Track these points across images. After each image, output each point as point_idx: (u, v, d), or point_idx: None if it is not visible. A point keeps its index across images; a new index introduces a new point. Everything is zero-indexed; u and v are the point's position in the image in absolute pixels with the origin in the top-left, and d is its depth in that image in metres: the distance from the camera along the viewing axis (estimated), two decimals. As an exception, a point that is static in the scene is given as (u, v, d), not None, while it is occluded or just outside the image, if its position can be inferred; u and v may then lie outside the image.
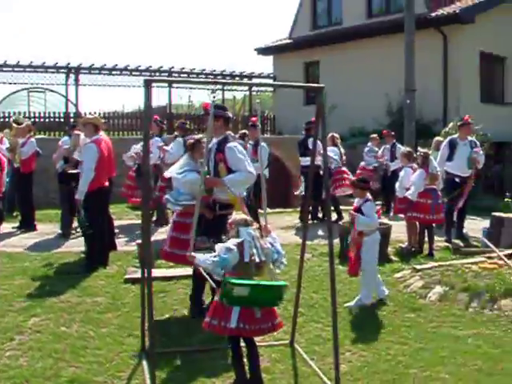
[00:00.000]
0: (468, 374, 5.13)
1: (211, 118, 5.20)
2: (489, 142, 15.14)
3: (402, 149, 13.60)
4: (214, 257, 4.49)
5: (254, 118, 12.02)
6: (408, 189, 9.32)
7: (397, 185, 9.73)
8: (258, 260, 4.56)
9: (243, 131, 13.27)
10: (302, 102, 23.03)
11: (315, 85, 5.27)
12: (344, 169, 12.34)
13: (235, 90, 25.10)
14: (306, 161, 12.08)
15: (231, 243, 4.54)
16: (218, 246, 4.57)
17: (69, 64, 20.40)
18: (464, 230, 10.59)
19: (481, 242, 9.62)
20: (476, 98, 19.24)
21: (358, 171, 14.02)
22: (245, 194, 6.66)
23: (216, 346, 5.53)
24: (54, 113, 20.07)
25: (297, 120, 19.67)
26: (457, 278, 7.35)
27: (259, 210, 9.32)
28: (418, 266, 8.00)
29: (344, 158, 12.57)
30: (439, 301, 7.02)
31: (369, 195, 7.12)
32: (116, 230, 9.74)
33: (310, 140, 12.03)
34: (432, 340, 5.93)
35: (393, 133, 14.58)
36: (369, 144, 14.91)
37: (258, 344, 5.43)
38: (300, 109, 22.04)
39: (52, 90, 20.95)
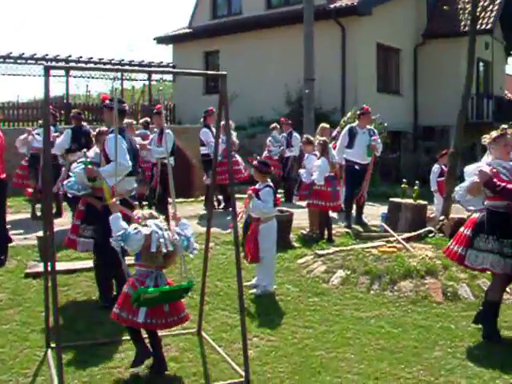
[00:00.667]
0: (372, 353, 5.25)
1: (116, 109, 5.25)
2: (385, 131, 15.64)
3: (298, 137, 13.93)
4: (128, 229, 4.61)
5: (158, 106, 11.81)
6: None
7: (302, 171, 9.81)
8: (165, 250, 4.61)
9: (145, 119, 13.04)
10: (202, 91, 22.91)
11: (218, 72, 5.20)
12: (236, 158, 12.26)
13: (134, 79, 24.68)
14: (204, 149, 12.11)
15: (144, 230, 4.60)
16: (132, 225, 4.65)
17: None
18: (363, 216, 10.88)
19: (379, 227, 9.91)
20: (373, 88, 19.88)
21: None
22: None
23: (122, 338, 5.41)
24: None
25: (196, 109, 19.50)
26: (358, 261, 7.53)
27: (169, 200, 9.16)
28: (320, 252, 8.12)
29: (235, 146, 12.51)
30: (342, 284, 7.16)
31: (269, 181, 7.09)
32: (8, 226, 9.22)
33: (203, 130, 12.05)
34: (336, 322, 6.03)
35: (290, 121, 14.72)
36: (273, 133, 14.96)
37: (165, 334, 5.38)
38: (200, 98, 21.94)
39: None
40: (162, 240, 4.60)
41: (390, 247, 8.15)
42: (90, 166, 6.19)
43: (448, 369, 4.95)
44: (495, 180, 5.30)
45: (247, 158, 7.46)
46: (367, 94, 18.79)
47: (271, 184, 7.09)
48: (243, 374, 4.73)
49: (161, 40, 24.17)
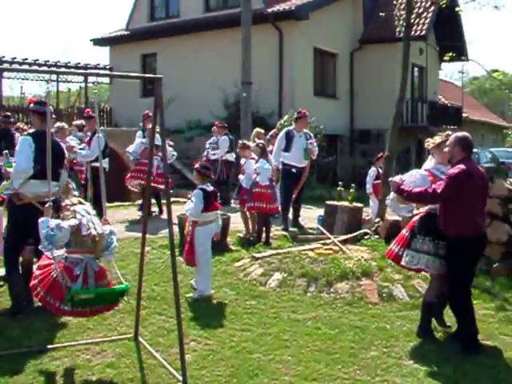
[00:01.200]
0: (309, 355, 5.28)
1: (48, 112, 5.14)
2: (321, 134, 15.85)
3: (226, 140, 13.89)
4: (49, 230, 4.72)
5: (87, 110, 11.78)
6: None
7: (242, 176, 9.84)
8: (94, 233, 4.84)
9: (81, 122, 12.78)
10: (139, 94, 22.66)
11: (153, 75, 5.17)
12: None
13: (70, 81, 24.19)
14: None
15: (66, 223, 4.78)
16: (53, 223, 4.76)
17: None
18: (300, 219, 10.97)
19: (316, 229, 10.01)
20: (310, 91, 20.11)
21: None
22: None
23: (57, 345, 5.31)
24: None
25: (133, 112, 19.34)
26: (294, 264, 7.57)
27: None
28: (257, 255, 8.13)
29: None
30: (279, 287, 7.18)
31: (207, 185, 7.03)
32: None
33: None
34: (274, 325, 6.04)
35: (225, 124, 14.68)
36: (213, 138, 14.88)
37: (101, 340, 5.29)
38: (137, 101, 21.69)
39: None
40: (91, 224, 4.85)
41: (326, 249, 8.24)
42: (8, 168, 6.24)
43: (384, 368, 5.04)
44: (402, 187, 5.56)
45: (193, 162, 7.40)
46: (304, 97, 19.00)
47: (205, 187, 7.02)
48: (181, 378, 4.68)
49: (97, 42, 23.77)
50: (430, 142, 5.86)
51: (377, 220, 9.54)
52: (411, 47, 10.99)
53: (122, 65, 22.48)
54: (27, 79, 22.32)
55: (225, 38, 19.63)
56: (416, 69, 23.88)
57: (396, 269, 7.39)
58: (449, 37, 23.52)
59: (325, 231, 9.26)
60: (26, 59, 21.21)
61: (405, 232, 5.80)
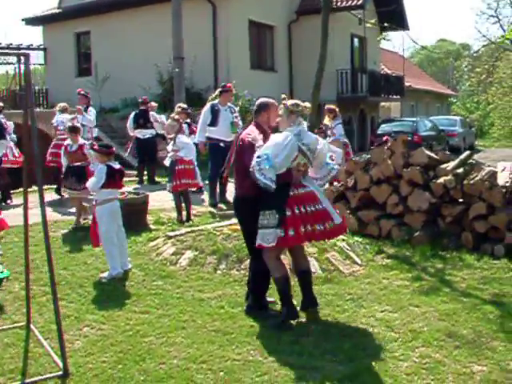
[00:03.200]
0: (204, 336, 5.10)
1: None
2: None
3: (155, 115, 13.63)
4: None
5: None
6: None
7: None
8: None
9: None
10: (74, 73, 22.05)
11: (19, 52, 4.88)
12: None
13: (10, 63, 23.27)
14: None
15: None
16: None
17: None
18: (227, 194, 10.77)
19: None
20: (246, 65, 19.82)
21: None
22: None
23: None
24: None
25: (69, 92, 18.78)
26: (207, 241, 7.36)
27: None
28: (171, 233, 7.91)
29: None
30: (189, 266, 6.97)
31: (110, 163, 6.87)
32: None
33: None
34: (175, 306, 5.84)
35: (154, 103, 14.37)
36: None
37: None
38: (72, 81, 21.07)
39: None
40: None
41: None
42: None
43: (277, 349, 4.85)
44: None
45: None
46: (240, 71, 18.72)
47: (111, 164, 6.84)
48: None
49: (30, 21, 22.98)
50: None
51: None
52: (350, 17, 10.83)
53: (57, 44, 21.92)
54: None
55: (157, 14, 19.17)
56: (356, 39, 23.79)
57: (312, 243, 7.28)
58: (388, 5, 23.45)
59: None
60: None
61: None
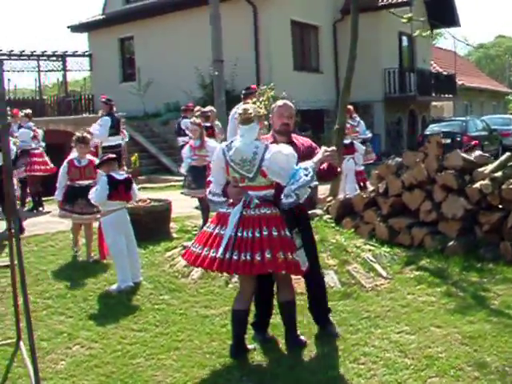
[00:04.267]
0: (197, 358, 4.68)
1: None
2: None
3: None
4: None
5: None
6: None
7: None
8: None
9: (28, 111, 12.25)
10: (119, 79, 22.08)
11: None
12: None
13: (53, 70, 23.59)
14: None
15: None
16: None
17: None
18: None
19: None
20: (289, 66, 19.33)
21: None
22: None
23: None
24: None
25: (114, 98, 18.73)
26: (222, 251, 6.92)
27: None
28: (187, 243, 7.44)
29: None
30: (200, 279, 6.54)
31: (115, 172, 6.55)
32: None
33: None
34: (175, 323, 5.44)
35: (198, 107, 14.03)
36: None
37: None
38: (117, 86, 21.11)
39: None
40: None
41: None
42: None
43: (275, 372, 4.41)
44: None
45: None
46: (283, 72, 18.25)
47: (113, 174, 6.53)
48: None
49: (75, 28, 23.16)
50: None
51: (329, 199, 8.89)
52: (398, 15, 10.30)
53: (101, 50, 22.01)
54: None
55: (198, 17, 18.80)
56: (404, 37, 22.94)
57: (333, 253, 6.77)
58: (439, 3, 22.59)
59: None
60: (11, 51, 20.72)
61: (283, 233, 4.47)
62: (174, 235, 8.54)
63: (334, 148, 4.64)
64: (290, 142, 4.74)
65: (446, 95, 24.89)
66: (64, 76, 22.61)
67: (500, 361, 4.35)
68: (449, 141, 17.04)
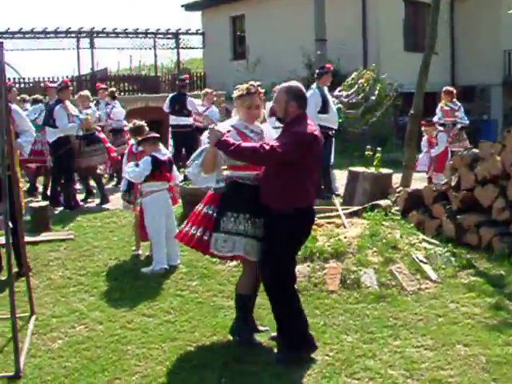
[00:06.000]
0: (187, 352, 4.43)
1: None
2: (394, 92, 14.32)
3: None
4: None
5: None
6: None
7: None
8: None
9: (112, 89, 12.42)
10: (230, 56, 22.11)
11: None
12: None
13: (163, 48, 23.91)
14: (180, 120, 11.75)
15: None
16: None
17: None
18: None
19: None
20: (399, 47, 18.34)
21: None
22: None
23: None
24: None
25: (225, 76, 18.90)
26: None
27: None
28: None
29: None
30: (235, 267, 6.14)
31: (158, 153, 6.41)
32: None
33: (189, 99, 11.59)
34: (187, 312, 5.25)
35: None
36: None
37: None
38: (227, 64, 21.17)
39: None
40: None
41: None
42: None
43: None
44: (228, 139, 4.20)
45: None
46: (392, 53, 17.36)
47: (157, 155, 6.36)
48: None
49: (189, 7, 23.41)
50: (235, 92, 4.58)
51: (398, 189, 8.24)
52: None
53: (213, 28, 22.16)
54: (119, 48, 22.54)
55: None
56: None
57: (379, 249, 6.21)
58: None
59: (336, 201, 8.17)
60: (115, 29, 21.38)
61: (206, 208, 4.45)
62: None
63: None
64: None
65: None
66: (177, 54, 22.96)
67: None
68: None
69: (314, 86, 9.48)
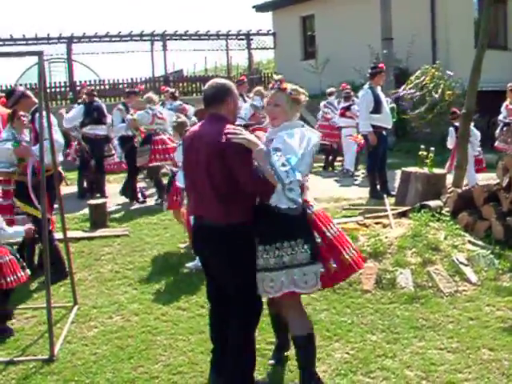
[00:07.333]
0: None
1: None
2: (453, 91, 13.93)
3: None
4: None
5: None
6: None
7: None
8: None
9: (171, 91, 12.68)
10: (300, 56, 22.16)
11: (34, 50, 4.99)
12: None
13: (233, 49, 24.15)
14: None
15: None
16: None
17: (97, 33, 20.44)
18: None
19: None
20: (470, 43, 17.78)
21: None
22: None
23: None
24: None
25: (296, 75, 18.93)
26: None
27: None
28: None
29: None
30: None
31: None
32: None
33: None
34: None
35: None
36: (330, 99, 14.00)
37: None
38: (298, 64, 21.22)
39: (75, 61, 20.77)
40: None
41: (360, 223, 7.15)
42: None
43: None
44: None
45: None
46: (462, 51, 16.81)
47: None
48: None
49: (260, 8, 23.57)
50: None
51: (449, 190, 8.08)
52: None
53: (284, 29, 22.26)
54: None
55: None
56: None
57: (418, 250, 6.16)
58: None
59: (386, 201, 8.12)
60: (187, 31, 21.83)
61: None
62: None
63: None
64: None
65: None
66: (249, 54, 23.21)
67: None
68: None
69: (366, 86, 9.46)
